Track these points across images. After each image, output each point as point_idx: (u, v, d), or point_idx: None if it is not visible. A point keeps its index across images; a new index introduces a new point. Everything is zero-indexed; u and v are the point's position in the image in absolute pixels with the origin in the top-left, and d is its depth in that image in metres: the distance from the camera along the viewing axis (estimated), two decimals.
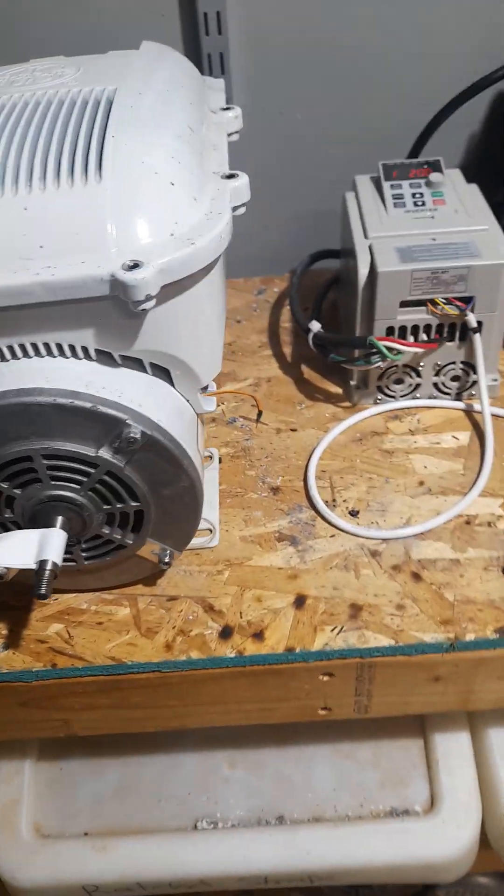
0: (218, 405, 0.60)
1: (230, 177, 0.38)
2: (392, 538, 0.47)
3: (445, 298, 0.51)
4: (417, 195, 0.57)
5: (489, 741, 0.54)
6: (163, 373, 0.39)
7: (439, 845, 0.51)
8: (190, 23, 0.62)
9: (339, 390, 0.60)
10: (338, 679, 0.43)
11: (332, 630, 0.42)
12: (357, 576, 0.45)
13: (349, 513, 0.49)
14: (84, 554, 0.42)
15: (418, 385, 0.57)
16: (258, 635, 0.43)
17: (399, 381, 0.57)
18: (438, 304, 0.51)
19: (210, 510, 0.50)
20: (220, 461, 0.55)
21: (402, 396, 0.58)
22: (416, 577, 0.45)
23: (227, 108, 0.48)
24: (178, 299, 0.35)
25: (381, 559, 0.46)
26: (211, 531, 0.49)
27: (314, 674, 0.43)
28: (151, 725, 0.48)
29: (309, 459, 0.53)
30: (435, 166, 0.59)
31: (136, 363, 0.38)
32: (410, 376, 0.56)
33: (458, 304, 0.51)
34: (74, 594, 0.46)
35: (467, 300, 0.51)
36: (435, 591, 0.44)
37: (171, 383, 0.40)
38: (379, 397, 0.58)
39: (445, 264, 0.50)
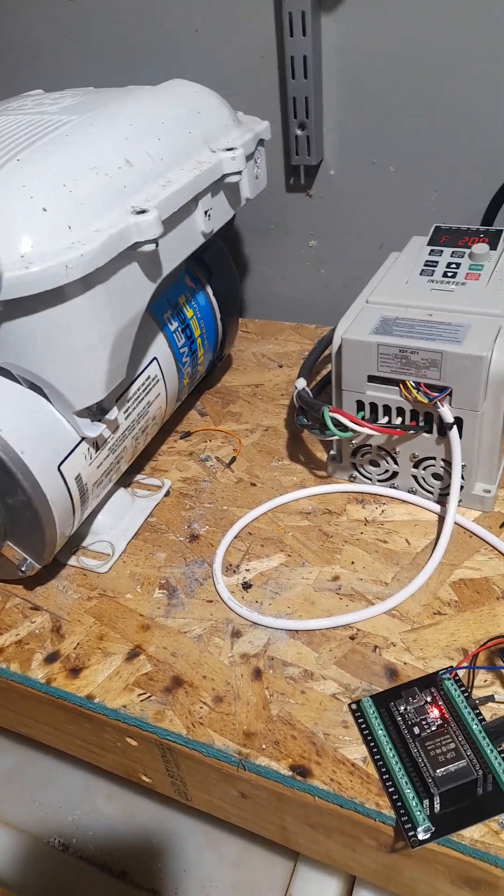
0: (204, 441, 0.59)
1: (140, 213, 0.38)
2: (262, 625, 0.43)
3: (416, 383, 0.44)
4: (453, 265, 0.50)
5: None
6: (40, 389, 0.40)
7: None
8: (281, 67, 0.62)
9: (324, 458, 0.55)
10: (143, 749, 0.40)
11: (140, 695, 0.40)
12: (202, 650, 0.42)
13: (242, 584, 0.46)
14: None
15: (395, 473, 0.50)
16: (75, 671, 0.41)
17: (374, 464, 0.51)
18: (409, 388, 0.45)
19: (120, 537, 0.50)
20: (168, 494, 0.54)
21: (379, 481, 0.51)
22: (258, 674, 0.40)
23: (229, 150, 0.47)
24: (30, 319, 0.36)
25: (237, 642, 0.42)
26: (109, 556, 0.49)
27: (120, 733, 0.40)
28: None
29: (239, 519, 0.50)
30: (493, 237, 0.51)
31: (10, 373, 0.40)
32: (385, 461, 0.50)
33: (428, 392, 0.44)
34: None
35: (440, 390, 0.44)
36: (261, 697, 0.39)
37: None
38: (354, 475, 0.52)
39: (416, 344, 0.43)
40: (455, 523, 0.47)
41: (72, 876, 0.52)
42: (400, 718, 0.35)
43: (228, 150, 0.47)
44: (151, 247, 0.39)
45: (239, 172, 0.47)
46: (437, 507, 0.49)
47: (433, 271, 0.50)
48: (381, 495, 0.51)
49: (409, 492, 0.50)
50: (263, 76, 0.63)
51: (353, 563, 0.46)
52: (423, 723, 0.35)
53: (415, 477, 0.49)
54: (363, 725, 0.36)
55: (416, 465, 0.49)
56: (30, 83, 0.66)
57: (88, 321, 0.37)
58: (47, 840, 0.54)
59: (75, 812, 0.55)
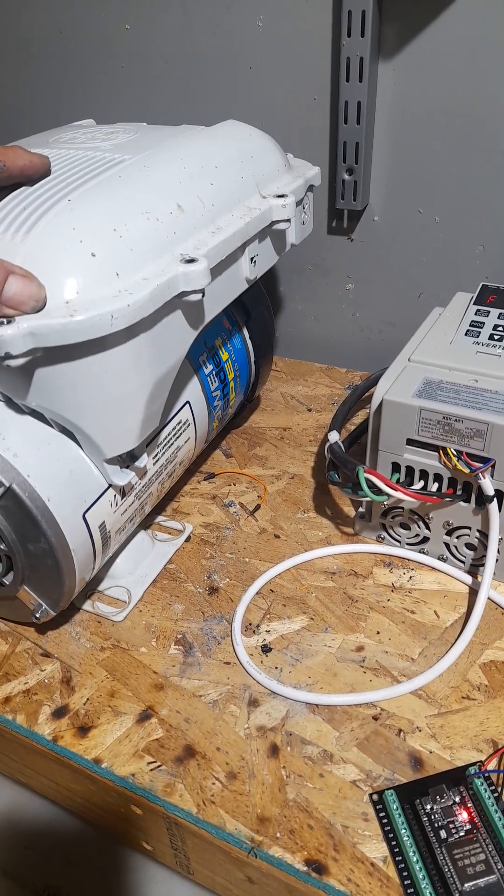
0: (228, 484, 0.57)
1: (189, 261, 0.37)
2: (281, 694, 0.41)
3: (458, 451, 0.43)
4: (499, 328, 0.49)
5: None
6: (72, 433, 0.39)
7: None
8: (334, 111, 0.61)
9: (351, 513, 0.53)
10: (148, 818, 0.38)
11: (150, 764, 0.38)
12: (217, 718, 0.40)
13: (262, 647, 0.44)
14: None
15: (426, 539, 0.48)
16: (84, 730, 0.40)
17: (405, 527, 0.49)
18: (450, 456, 0.43)
19: (138, 583, 0.48)
20: (189, 539, 0.52)
21: (408, 544, 0.49)
22: (274, 750, 0.38)
23: (280, 196, 0.46)
24: (69, 366, 0.34)
25: (253, 712, 0.40)
26: (126, 603, 0.47)
27: (126, 800, 0.38)
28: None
29: (261, 574, 0.48)
30: None
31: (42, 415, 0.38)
32: (417, 525, 0.48)
33: (469, 462, 0.42)
34: None
35: (483, 460, 0.42)
36: (277, 777, 0.37)
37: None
38: (382, 535, 0.50)
39: (461, 412, 0.42)
40: (488, 598, 0.45)
41: None
42: (426, 819, 0.33)
43: (279, 196, 0.46)
44: (198, 296, 0.37)
45: (288, 220, 0.46)
46: (469, 579, 0.47)
47: (479, 333, 0.49)
48: (409, 560, 0.49)
49: (439, 559, 0.48)
50: (314, 118, 0.62)
51: (378, 633, 0.44)
52: (451, 826, 0.32)
53: (447, 545, 0.48)
54: (385, 821, 0.34)
55: (448, 533, 0.47)
56: (81, 111, 0.65)
57: (128, 370, 0.36)
58: (34, 889, 0.52)
59: (66, 860, 0.53)
